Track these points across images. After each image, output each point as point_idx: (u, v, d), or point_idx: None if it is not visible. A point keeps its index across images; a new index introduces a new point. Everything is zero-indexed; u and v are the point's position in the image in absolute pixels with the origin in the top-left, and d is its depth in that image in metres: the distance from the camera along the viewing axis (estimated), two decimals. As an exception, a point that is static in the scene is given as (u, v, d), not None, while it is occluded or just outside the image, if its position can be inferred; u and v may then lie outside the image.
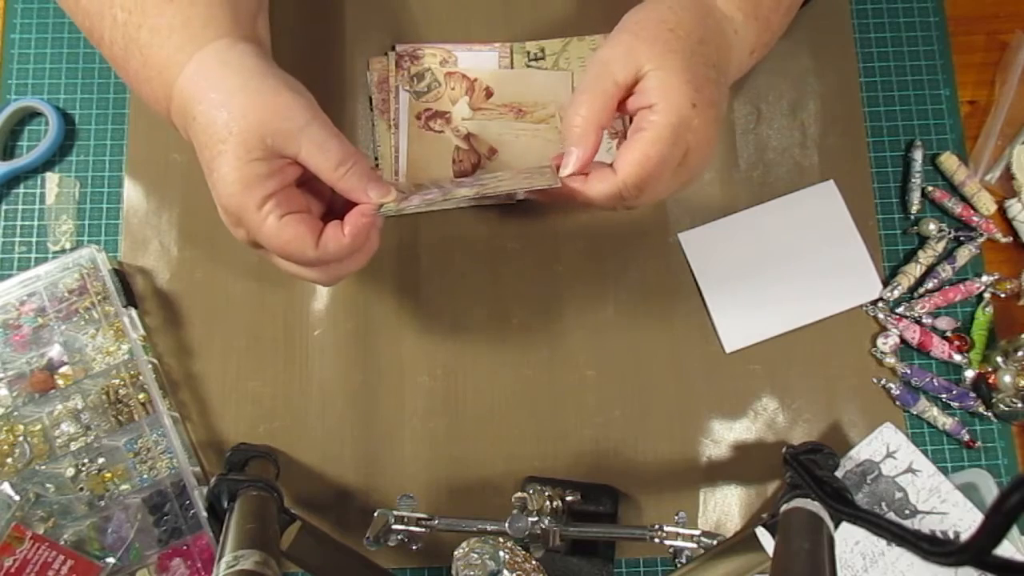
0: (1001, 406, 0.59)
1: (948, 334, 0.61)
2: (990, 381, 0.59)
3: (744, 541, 0.50)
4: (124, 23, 0.47)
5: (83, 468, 0.57)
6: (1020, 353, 0.58)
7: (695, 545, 0.50)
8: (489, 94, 0.64)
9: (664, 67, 0.47)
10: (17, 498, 0.56)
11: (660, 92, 0.46)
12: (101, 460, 0.58)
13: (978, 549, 0.28)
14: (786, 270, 0.62)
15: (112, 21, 0.48)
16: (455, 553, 0.46)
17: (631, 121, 0.49)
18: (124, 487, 0.57)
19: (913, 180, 0.63)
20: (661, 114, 0.46)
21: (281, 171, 0.46)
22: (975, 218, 0.62)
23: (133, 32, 0.47)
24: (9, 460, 0.57)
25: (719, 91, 0.49)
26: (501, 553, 0.45)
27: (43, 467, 0.57)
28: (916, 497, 0.58)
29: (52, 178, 0.63)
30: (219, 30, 0.47)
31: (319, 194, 0.50)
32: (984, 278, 0.61)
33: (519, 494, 0.52)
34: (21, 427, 0.57)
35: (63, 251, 0.62)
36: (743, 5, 0.51)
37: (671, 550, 0.51)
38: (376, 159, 0.63)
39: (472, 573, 0.44)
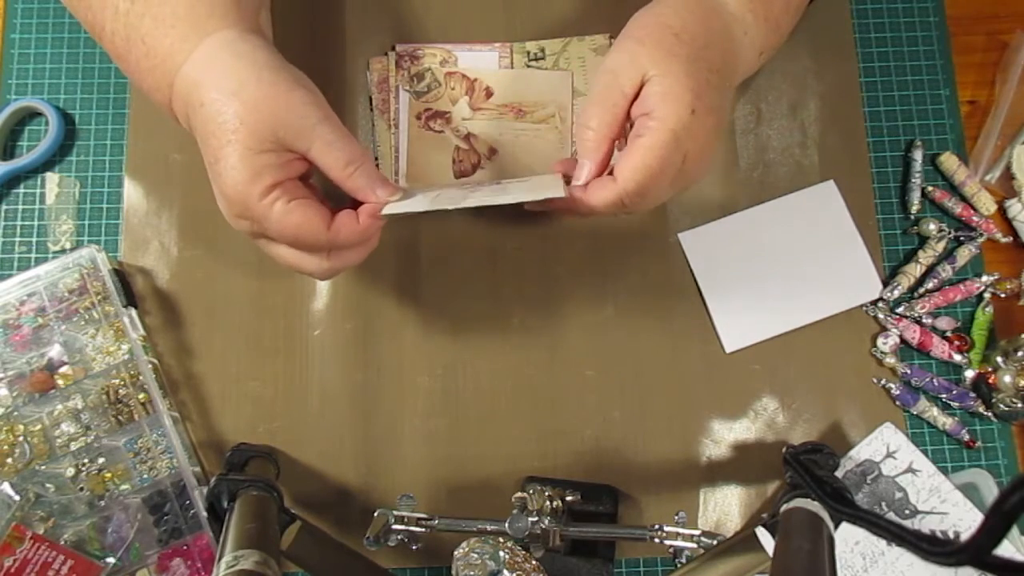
0: (1001, 406, 0.59)
1: (948, 334, 0.61)
2: (990, 381, 0.59)
3: (744, 541, 0.50)
4: (126, 12, 0.47)
5: (83, 468, 0.57)
6: (1020, 353, 0.58)
7: (695, 545, 0.50)
8: (489, 94, 0.64)
9: (667, 73, 0.47)
10: (17, 498, 0.56)
11: (661, 98, 0.46)
12: (101, 460, 0.58)
13: (978, 549, 0.28)
14: (786, 270, 0.62)
15: (114, 12, 0.48)
16: (455, 553, 0.46)
17: (632, 127, 0.49)
18: (124, 487, 0.57)
19: (913, 180, 0.63)
20: (661, 120, 0.46)
21: (288, 164, 0.46)
22: (975, 218, 0.62)
23: (135, 21, 0.47)
24: (9, 460, 0.57)
25: (721, 96, 0.49)
26: (501, 553, 0.45)
27: (43, 467, 0.57)
28: (916, 497, 0.58)
29: (52, 178, 0.63)
30: (224, 20, 0.47)
31: (314, 191, 0.50)
32: (984, 278, 0.61)
33: (519, 494, 0.52)
34: (21, 427, 0.57)
35: (63, 251, 0.62)
36: (755, 6, 0.51)
37: (671, 550, 0.51)
38: (376, 159, 0.63)
39: (472, 573, 0.44)
